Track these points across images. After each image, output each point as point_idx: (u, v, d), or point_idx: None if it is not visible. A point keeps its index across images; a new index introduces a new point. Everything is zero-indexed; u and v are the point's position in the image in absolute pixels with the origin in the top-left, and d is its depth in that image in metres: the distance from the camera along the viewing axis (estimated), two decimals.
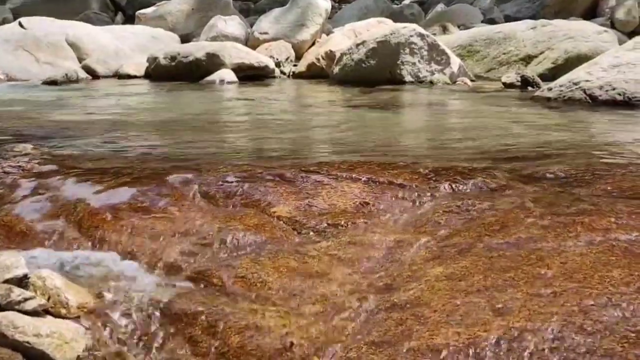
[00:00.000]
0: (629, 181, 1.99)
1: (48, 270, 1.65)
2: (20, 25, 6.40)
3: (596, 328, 1.32)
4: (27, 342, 1.45)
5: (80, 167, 2.31)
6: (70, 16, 7.38)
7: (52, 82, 5.48)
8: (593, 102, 3.92)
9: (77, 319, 1.57)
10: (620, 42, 5.24)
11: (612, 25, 6.69)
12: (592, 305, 1.37)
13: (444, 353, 1.34)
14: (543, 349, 1.30)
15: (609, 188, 1.95)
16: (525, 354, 1.30)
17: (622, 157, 2.36)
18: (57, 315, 1.56)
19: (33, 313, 1.53)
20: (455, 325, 1.39)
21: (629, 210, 1.70)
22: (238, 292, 1.62)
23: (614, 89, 3.89)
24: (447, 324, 1.40)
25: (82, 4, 9.19)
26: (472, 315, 1.41)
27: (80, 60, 6.17)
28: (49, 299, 1.57)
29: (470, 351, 1.33)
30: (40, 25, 6.43)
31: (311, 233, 1.84)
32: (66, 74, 5.62)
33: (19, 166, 2.29)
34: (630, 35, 5.83)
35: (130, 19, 8.65)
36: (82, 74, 5.86)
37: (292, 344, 1.47)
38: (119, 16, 9.61)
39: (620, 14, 6.83)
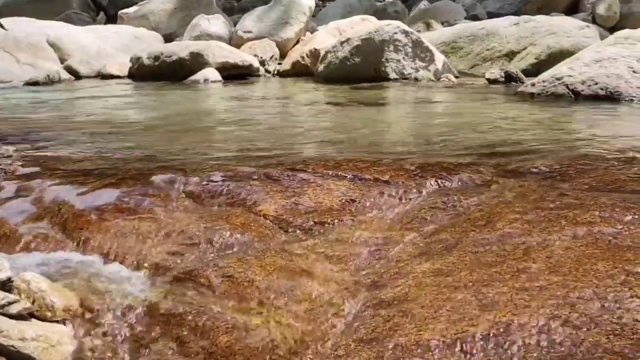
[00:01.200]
0: (611, 175, 2.01)
1: (32, 273, 1.63)
2: (1, 26, 6.32)
3: (582, 321, 1.33)
4: (12, 346, 1.44)
5: (63, 169, 2.29)
6: (50, 16, 7.32)
7: (34, 83, 5.43)
8: (576, 97, 3.96)
9: (63, 321, 1.55)
10: (602, 37, 5.29)
11: (594, 21, 6.76)
12: (577, 298, 1.38)
13: (432, 348, 1.34)
14: (530, 343, 1.31)
15: (592, 182, 1.96)
16: (512, 348, 1.31)
17: (604, 151, 2.39)
18: (43, 319, 1.54)
19: (18, 317, 1.51)
20: (442, 321, 1.40)
21: (612, 203, 1.72)
22: (225, 291, 1.61)
23: (596, 83, 3.92)
24: (434, 319, 1.41)
25: (63, 4, 9.10)
26: (459, 310, 1.41)
27: (62, 60, 6.12)
28: (33, 302, 1.56)
29: (458, 346, 1.34)
30: (20, 25, 6.37)
31: (298, 231, 1.84)
32: (48, 75, 5.57)
33: (1, 169, 2.26)
34: (611, 30, 5.90)
35: (112, 19, 8.58)
36: (65, 75, 5.81)
37: (280, 342, 1.47)
38: (101, 16, 9.54)
39: (601, 10, 6.89)
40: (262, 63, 5.98)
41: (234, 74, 5.64)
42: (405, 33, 5.28)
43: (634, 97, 3.79)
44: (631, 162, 2.16)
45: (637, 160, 2.19)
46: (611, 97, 3.83)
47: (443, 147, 2.64)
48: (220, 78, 5.52)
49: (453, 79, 5.31)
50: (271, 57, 6.08)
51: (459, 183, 2.01)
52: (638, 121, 3.43)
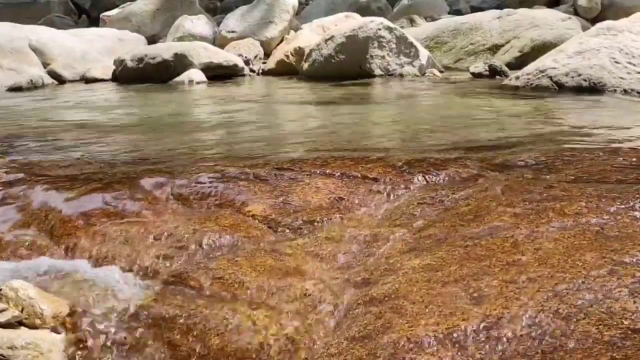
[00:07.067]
0: (597, 166, 2.02)
1: (20, 281, 1.62)
2: None
3: (571, 312, 1.34)
4: (2, 355, 1.43)
5: (49, 175, 2.28)
6: (32, 21, 7.26)
7: (17, 89, 5.39)
8: (560, 89, 3.98)
9: (53, 329, 1.54)
10: (584, 29, 5.33)
11: (575, 12, 6.80)
12: (566, 289, 1.39)
13: (424, 344, 1.35)
14: (521, 335, 1.32)
15: (578, 173, 1.98)
16: (504, 340, 1.32)
17: (590, 143, 2.40)
18: (32, 326, 1.53)
19: (6, 325, 1.50)
20: (434, 316, 1.40)
21: (599, 194, 1.73)
22: (216, 293, 1.61)
23: (579, 75, 3.95)
24: (425, 314, 1.41)
25: (45, 8, 9.03)
26: (450, 305, 1.42)
27: (45, 65, 6.06)
28: (22, 310, 1.54)
29: (450, 341, 1.34)
30: (3, 30, 6.30)
31: (287, 231, 1.84)
32: (31, 80, 5.53)
33: None
34: (593, 21, 5.93)
35: (94, 22, 8.52)
36: (48, 79, 5.76)
37: (272, 342, 1.47)
38: (82, 19, 9.47)
39: (582, 1, 6.93)
40: (247, 62, 5.96)
41: (219, 74, 5.62)
42: (389, 29, 5.29)
43: (617, 87, 3.82)
44: (616, 153, 2.18)
45: (622, 151, 2.21)
46: (594, 88, 3.86)
47: (429, 143, 2.64)
48: (205, 79, 5.50)
49: (438, 73, 5.32)
50: (255, 57, 6.07)
51: (446, 178, 2.02)
52: (621, 111, 3.46)
